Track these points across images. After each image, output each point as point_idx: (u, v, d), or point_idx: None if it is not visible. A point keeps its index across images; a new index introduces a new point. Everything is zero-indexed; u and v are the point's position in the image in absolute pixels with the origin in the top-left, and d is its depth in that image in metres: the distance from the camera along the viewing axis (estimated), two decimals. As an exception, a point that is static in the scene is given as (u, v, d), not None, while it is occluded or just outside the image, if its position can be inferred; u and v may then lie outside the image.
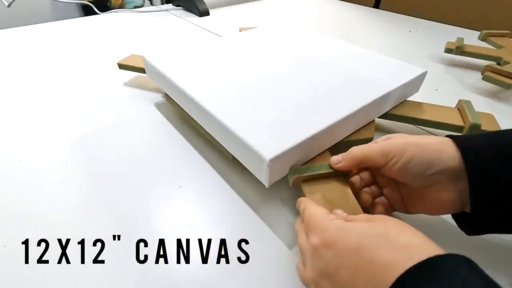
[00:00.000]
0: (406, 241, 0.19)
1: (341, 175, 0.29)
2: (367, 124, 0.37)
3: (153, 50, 0.65)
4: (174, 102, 0.41)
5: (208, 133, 0.35)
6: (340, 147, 0.34)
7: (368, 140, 0.35)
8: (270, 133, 0.29)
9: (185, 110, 0.39)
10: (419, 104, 0.41)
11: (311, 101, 0.33)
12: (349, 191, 0.28)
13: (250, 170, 0.30)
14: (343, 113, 0.32)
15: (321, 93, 0.35)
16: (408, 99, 0.42)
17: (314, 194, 0.28)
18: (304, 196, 0.28)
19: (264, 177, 0.28)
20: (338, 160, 0.28)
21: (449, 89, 0.52)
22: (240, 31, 0.68)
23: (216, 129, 0.33)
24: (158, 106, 0.47)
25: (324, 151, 0.32)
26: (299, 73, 0.39)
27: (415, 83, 0.41)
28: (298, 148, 0.28)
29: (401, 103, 0.41)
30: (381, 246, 0.19)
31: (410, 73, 0.39)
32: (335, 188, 0.28)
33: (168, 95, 0.42)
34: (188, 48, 0.46)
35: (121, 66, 0.51)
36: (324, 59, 0.43)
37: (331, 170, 0.29)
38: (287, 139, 0.28)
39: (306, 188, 0.29)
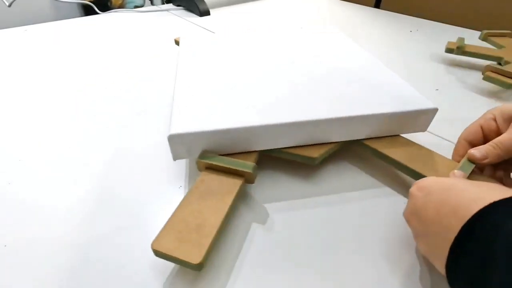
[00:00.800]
0: (496, 187, 0.20)
1: (242, 176, 0.29)
2: (323, 144, 0.33)
3: (154, 50, 0.65)
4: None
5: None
6: (276, 154, 0.33)
7: (309, 159, 0.31)
8: (199, 114, 0.31)
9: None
10: (407, 144, 0.33)
11: (269, 99, 0.33)
12: (234, 190, 0.28)
13: None
14: (281, 119, 0.30)
15: (286, 94, 0.34)
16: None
17: (202, 182, 0.29)
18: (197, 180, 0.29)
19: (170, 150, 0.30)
20: (483, 155, 0.27)
21: (450, 89, 0.52)
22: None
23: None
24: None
25: (252, 152, 0.32)
26: (286, 71, 0.39)
27: (417, 119, 0.33)
28: (208, 135, 0.29)
29: (387, 136, 0.34)
30: (470, 188, 0.20)
31: (409, 103, 0.33)
32: (225, 184, 0.29)
33: None
34: (216, 39, 0.47)
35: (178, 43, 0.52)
36: (326, 62, 0.42)
37: (234, 167, 0.29)
38: (202, 123, 0.29)
39: (202, 174, 0.30)
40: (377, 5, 0.99)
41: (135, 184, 0.34)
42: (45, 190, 0.33)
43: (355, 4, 1.00)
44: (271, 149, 0.32)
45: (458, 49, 0.57)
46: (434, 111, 0.33)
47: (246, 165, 0.29)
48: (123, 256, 0.27)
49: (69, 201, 0.32)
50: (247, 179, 0.30)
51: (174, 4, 0.95)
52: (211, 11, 0.88)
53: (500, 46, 0.57)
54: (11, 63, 0.60)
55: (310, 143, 0.33)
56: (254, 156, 0.32)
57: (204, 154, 0.30)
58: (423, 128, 0.35)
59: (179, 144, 0.29)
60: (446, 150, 0.39)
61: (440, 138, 0.41)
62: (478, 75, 0.52)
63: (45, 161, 0.37)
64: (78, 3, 0.95)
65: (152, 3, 1.10)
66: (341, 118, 0.31)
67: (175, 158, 0.31)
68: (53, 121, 0.43)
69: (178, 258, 0.23)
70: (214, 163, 0.30)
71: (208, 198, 0.27)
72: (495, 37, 0.60)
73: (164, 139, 0.40)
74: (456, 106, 0.47)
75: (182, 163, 0.36)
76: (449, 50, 0.58)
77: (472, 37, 0.63)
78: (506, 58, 0.52)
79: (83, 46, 0.67)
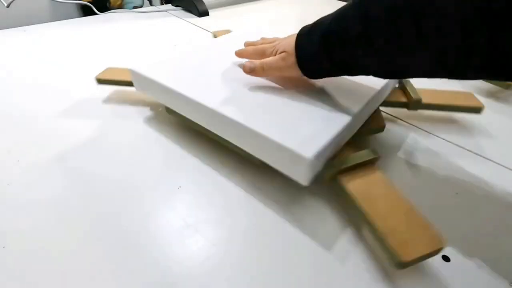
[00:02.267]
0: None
1: (373, 163, 0.31)
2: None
3: (153, 50, 0.65)
4: (174, 112, 0.39)
5: (227, 141, 0.34)
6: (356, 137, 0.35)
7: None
8: (301, 133, 0.29)
9: (192, 119, 0.36)
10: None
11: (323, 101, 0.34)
12: (389, 180, 0.30)
13: (285, 173, 0.30)
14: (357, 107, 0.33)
15: (328, 92, 0.35)
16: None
17: (353, 189, 0.29)
18: (344, 190, 0.29)
19: (303, 176, 0.28)
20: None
21: (449, 89, 0.52)
22: (215, 35, 0.66)
23: (239, 136, 0.32)
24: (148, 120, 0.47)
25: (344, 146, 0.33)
26: None
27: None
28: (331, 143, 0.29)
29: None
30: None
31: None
32: (371, 177, 0.30)
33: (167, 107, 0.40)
34: (177, 52, 0.45)
35: (101, 81, 0.46)
36: None
37: (364, 160, 0.31)
38: (319, 136, 0.29)
39: (341, 181, 0.30)
40: (375, 5, 0.99)
41: (134, 186, 0.34)
42: (44, 191, 0.33)
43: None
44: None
45: (457, 49, 0.57)
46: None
47: (369, 153, 0.31)
48: (122, 259, 0.27)
49: (68, 203, 0.32)
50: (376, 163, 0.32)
51: (173, 4, 0.95)
52: (210, 11, 0.88)
53: (498, 47, 0.57)
54: (10, 64, 0.59)
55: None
56: (348, 148, 0.33)
57: (331, 165, 0.31)
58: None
59: (315, 163, 0.28)
60: (444, 149, 0.40)
61: (439, 138, 0.41)
62: (477, 75, 0.53)
63: (44, 162, 0.36)
64: (77, 4, 0.95)
65: (151, 4, 1.10)
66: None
67: (309, 181, 0.29)
68: (53, 122, 0.43)
69: (427, 254, 0.24)
70: (343, 167, 0.30)
71: (377, 197, 0.28)
72: (494, 37, 0.60)
73: (165, 137, 0.40)
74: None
75: (180, 163, 0.36)
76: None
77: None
78: (504, 58, 0.52)
79: (82, 47, 0.67)
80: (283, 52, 0.33)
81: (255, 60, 0.36)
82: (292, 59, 0.32)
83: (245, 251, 0.28)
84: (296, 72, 0.32)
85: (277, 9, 0.96)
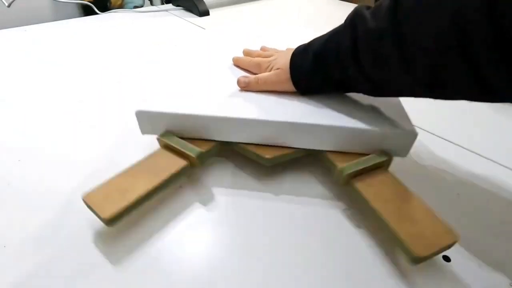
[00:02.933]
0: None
1: (187, 159, 0.31)
2: (284, 147, 0.33)
3: (154, 50, 0.65)
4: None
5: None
6: (234, 147, 0.34)
7: (261, 158, 0.32)
8: (168, 98, 0.34)
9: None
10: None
11: (236, 96, 0.35)
12: (173, 169, 0.30)
13: None
14: (237, 114, 0.32)
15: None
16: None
17: (152, 157, 0.31)
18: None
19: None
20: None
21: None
22: None
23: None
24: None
25: (212, 141, 0.33)
26: None
27: (391, 140, 0.31)
28: (169, 117, 0.32)
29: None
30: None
31: (383, 122, 0.31)
32: (169, 162, 0.31)
33: None
34: (174, 75, 0.40)
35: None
36: None
37: (180, 149, 0.31)
38: (167, 105, 0.32)
39: (158, 150, 0.32)
40: (376, 5, 0.99)
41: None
42: (44, 190, 0.33)
43: (355, 4, 1.00)
44: (230, 142, 0.33)
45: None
46: (412, 135, 0.30)
47: (191, 149, 0.31)
48: (122, 259, 0.27)
49: (68, 202, 0.32)
50: (192, 162, 0.31)
51: (173, 4, 0.95)
52: (211, 11, 0.88)
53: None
54: (10, 64, 0.60)
55: (270, 144, 0.33)
56: (212, 144, 0.33)
57: (165, 133, 0.33)
58: (402, 153, 0.32)
59: (145, 120, 0.33)
60: (445, 150, 0.40)
61: (438, 136, 0.41)
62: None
63: (44, 162, 0.37)
64: (78, 4, 0.95)
65: (151, 3, 1.10)
66: (297, 124, 0.31)
67: (143, 132, 0.34)
68: (52, 122, 0.43)
69: (94, 210, 0.26)
70: (168, 142, 0.32)
71: (148, 170, 0.30)
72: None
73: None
74: (454, 105, 0.47)
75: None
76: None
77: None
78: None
79: (83, 47, 0.67)
80: (278, 69, 0.34)
81: (250, 75, 0.37)
82: (286, 76, 0.33)
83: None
84: (289, 88, 0.34)
85: (277, 9, 0.96)
